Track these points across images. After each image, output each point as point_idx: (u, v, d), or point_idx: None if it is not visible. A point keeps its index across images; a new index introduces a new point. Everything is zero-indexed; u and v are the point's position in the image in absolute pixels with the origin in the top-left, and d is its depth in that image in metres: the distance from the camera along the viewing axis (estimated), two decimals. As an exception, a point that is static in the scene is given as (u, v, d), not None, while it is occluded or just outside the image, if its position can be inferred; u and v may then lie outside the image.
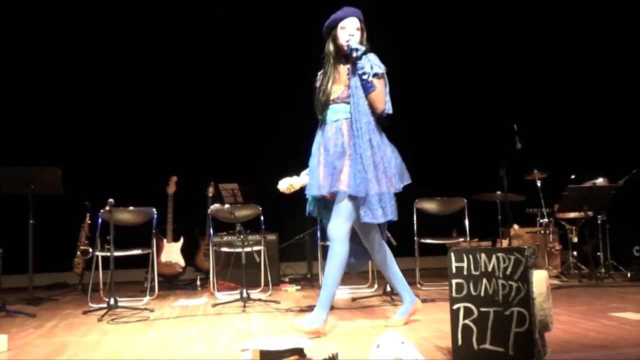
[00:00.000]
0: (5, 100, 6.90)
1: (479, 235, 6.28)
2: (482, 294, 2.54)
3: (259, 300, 4.77)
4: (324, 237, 5.55)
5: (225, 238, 5.91)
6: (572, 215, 6.01)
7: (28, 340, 3.51)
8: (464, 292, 2.58)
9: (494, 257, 2.54)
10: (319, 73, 3.60)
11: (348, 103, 3.42)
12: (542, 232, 6.10)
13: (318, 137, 3.57)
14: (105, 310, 4.30)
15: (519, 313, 2.46)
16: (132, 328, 3.83)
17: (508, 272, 2.51)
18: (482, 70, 7.65)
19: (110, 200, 4.47)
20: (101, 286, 5.46)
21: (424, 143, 7.60)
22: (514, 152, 5.26)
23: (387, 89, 3.56)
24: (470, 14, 7.64)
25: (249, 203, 6.06)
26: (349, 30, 3.43)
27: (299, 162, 7.20)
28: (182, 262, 6.10)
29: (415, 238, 5.51)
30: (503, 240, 5.94)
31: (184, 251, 6.14)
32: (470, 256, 2.60)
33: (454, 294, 2.61)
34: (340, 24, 3.44)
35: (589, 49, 7.50)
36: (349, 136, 3.40)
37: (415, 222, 5.57)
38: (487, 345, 2.50)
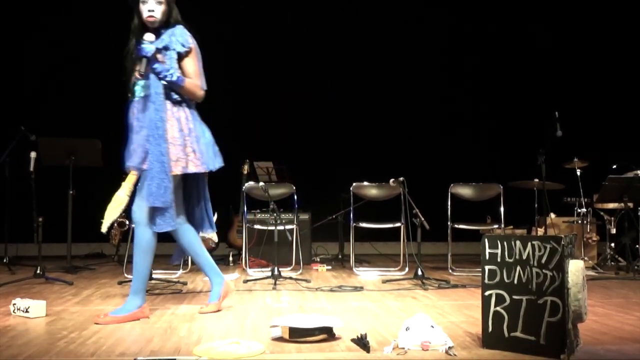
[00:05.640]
0: (48, 73, 7.04)
1: (514, 223, 6.19)
2: (516, 281, 2.51)
3: (290, 278, 4.81)
4: (357, 218, 5.55)
5: (258, 216, 5.96)
6: (611, 206, 5.87)
7: (65, 307, 3.61)
8: (497, 279, 2.55)
9: (529, 244, 2.50)
10: (127, 48, 3.39)
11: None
12: (580, 222, 5.97)
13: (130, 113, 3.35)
14: (139, 282, 4.39)
15: (552, 302, 2.42)
16: (165, 300, 3.90)
17: (543, 260, 2.46)
18: (523, 53, 7.50)
19: (148, 174, 4.54)
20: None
21: (462, 127, 7.52)
22: (554, 139, 5.15)
23: (200, 63, 3.36)
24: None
25: (283, 182, 6.09)
26: (150, 5, 3.20)
27: (331, 142, 7.20)
28: (215, 238, 6.13)
29: (449, 223, 5.45)
30: (539, 229, 5.84)
31: (218, 227, 6.19)
32: (505, 243, 2.56)
33: (486, 281, 2.58)
34: None
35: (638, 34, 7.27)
36: (146, 112, 3.21)
37: (449, 207, 5.52)
38: (518, 334, 2.47)
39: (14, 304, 3.33)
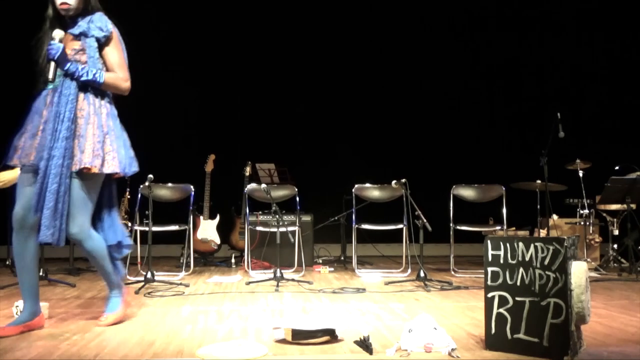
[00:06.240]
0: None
1: (516, 224, 6.18)
2: (518, 283, 2.50)
3: (292, 280, 4.81)
4: (359, 220, 5.54)
5: (260, 217, 5.96)
6: (613, 207, 5.85)
7: (67, 309, 3.62)
8: (500, 280, 2.55)
9: (532, 246, 2.50)
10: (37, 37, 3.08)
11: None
12: (582, 223, 5.97)
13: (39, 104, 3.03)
14: (142, 284, 4.40)
15: (555, 304, 2.41)
16: (167, 302, 3.90)
17: (546, 262, 2.46)
18: (524, 53, 7.49)
19: (150, 176, 4.57)
20: (139, 260, 5.58)
21: (464, 128, 7.51)
22: (556, 141, 5.14)
23: (124, 53, 3.11)
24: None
25: (285, 183, 6.10)
26: None
27: (333, 144, 7.18)
28: (217, 240, 6.18)
29: (451, 225, 5.45)
30: (541, 230, 5.83)
31: (220, 229, 6.23)
32: (508, 244, 2.56)
33: (489, 282, 2.57)
34: None
35: None
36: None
37: (451, 208, 5.51)
38: (521, 335, 2.47)
39: (17, 306, 3.33)
